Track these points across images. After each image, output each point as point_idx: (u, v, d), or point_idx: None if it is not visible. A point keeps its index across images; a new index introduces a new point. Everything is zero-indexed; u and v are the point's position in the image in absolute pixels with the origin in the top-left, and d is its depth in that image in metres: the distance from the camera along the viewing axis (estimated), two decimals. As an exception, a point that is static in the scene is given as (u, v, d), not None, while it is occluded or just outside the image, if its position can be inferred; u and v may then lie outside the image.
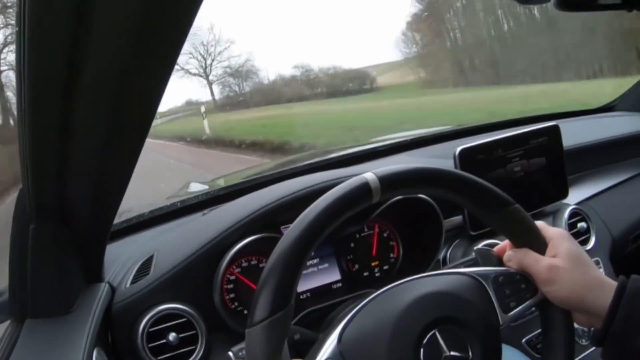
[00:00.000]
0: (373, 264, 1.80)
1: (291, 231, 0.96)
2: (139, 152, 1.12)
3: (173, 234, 1.87)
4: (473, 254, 1.24)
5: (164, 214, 2.09)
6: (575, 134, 2.44)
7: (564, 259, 1.09)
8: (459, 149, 1.82)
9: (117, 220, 1.97)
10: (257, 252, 1.61)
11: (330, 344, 1.01)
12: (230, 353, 1.24)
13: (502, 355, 1.09)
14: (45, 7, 0.73)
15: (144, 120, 1.03)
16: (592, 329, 1.11)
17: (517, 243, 1.14)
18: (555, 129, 2.02)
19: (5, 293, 1.32)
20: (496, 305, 1.08)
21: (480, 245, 1.27)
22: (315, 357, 1.00)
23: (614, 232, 2.14)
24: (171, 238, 1.84)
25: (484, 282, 1.09)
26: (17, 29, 0.78)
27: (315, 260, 1.72)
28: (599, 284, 1.09)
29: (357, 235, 1.79)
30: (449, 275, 1.12)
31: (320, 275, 1.72)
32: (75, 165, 1.08)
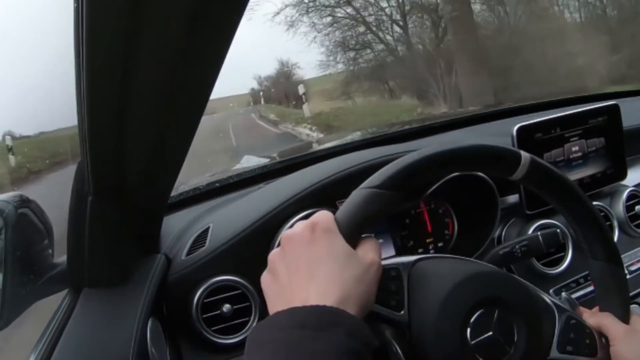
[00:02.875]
0: (427, 240, 1.79)
1: (440, 145, 0.99)
2: (197, 126, 1.13)
3: (229, 207, 1.89)
4: (529, 233, 1.23)
5: (220, 187, 2.11)
6: (635, 113, 2.39)
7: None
8: (516, 126, 1.78)
9: (174, 193, 1.99)
10: (312, 226, 1.60)
11: (405, 260, 1.04)
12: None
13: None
14: None
15: (201, 94, 1.04)
16: None
17: (605, 305, 1.13)
18: (615, 108, 1.96)
19: (63, 263, 1.34)
20: (555, 337, 1.06)
21: (569, 295, 1.26)
22: (389, 259, 1.04)
23: (674, 215, 2.08)
24: (227, 211, 1.85)
25: (556, 312, 1.07)
26: (75, 5, 0.79)
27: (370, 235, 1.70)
28: None
29: (413, 212, 1.77)
30: (532, 289, 1.10)
31: (374, 251, 1.70)
32: (133, 139, 1.09)
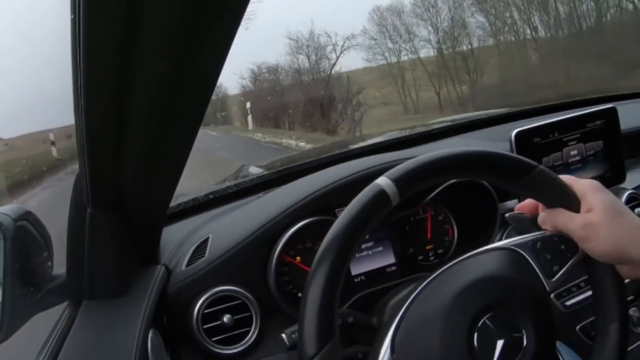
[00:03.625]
0: (428, 247, 1.79)
1: (319, 259, 0.95)
2: (194, 137, 1.13)
3: (228, 217, 1.89)
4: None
5: (219, 197, 2.12)
6: (633, 116, 2.39)
7: (599, 212, 1.05)
8: (514, 131, 1.78)
9: (173, 203, 1.99)
10: (311, 235, 1.61)
11: (383, 355, 1.00)
12: (283, 335, 1.24)
13: (556, 334, 1.08)
14: None
15: (199, 105, 1.04)
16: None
17: (549, 204, 1.11)
18: (613, 111, 1.96)
19: (62, 276, 1.34)
20: (539, 273, 1.06)
21: (512, 212, 1.24)
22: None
23: (673, 218, 2.08)
24: (226, 221, 1.85)
25: (523, 253, 1.07)
26: (72, 16, 0.79)
27: (370, 244, 1.71)
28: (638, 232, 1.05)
29: (412, 219, 1.77)
30: (488, 252, 1.09)
31: (374, 259, 1.71)
32: (132, 150, 1.09)
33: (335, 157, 2.29)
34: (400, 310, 1.03)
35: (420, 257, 1.78)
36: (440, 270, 1.08)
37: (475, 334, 0.97)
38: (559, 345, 1.45)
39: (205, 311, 1.44)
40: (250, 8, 0.84)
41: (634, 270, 1.07)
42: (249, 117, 20.12)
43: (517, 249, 1.08)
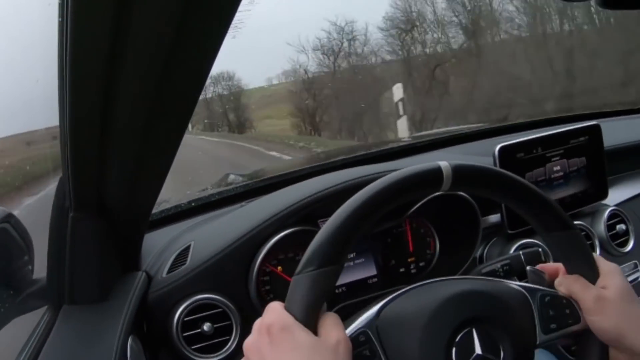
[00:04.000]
0: (409, 259, 1.79)
1: (360, 193, 0.97)
2: (178, 144, 1.13)
3: (210, 225, 1.89)
4: (511, 252, 1.23)
5: (202, 205, 2.11)
6: (616, 133, 2.40)
7: (613, 292, 1.06)
8: (498, 146, 1.80)
9: (156, 210, 1.99)
10: (293, 245, 1.61)
11: (368, 316, 1.01)
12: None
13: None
14: None
15: (182, 113, 1.04)
16: None
17: (571, 269, 1.12)
18: (596, 128, 1.99)
19: (43, 280, 1.34)
20: (537, 322, 1.06)
21: (533, 267, 1.25)
22: (352, 322, 1.01)
23: (654, 235, 2.09)
24: (208, 229, 1.85)
25: (529, 297, 1.08)
26: (59, 19, 0.79)
27: (351, 255, 1.72)
28: None
29: (394, 231, 1.78)
30: (496, 282, 1.11)
31: (356, 270, 1.72)
32: (115, 156, 1.09)
33: (318, 167, 2.29)
34: (389, 296, 1.06)
35: (402, 269, 1.78)
36: (441, 278, 1.09)
37: (455, 346, 0.97)
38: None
39: (186, 319, 1.44)
40: (238, 17, 0.84)
41: (627, 358, 1.07)
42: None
43: (525, 292, 1.09)
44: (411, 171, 1.00)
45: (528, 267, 1.24)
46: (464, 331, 0.99)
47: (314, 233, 0.98)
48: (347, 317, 1.49)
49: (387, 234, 1.77)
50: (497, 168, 1.07)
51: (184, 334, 1.43)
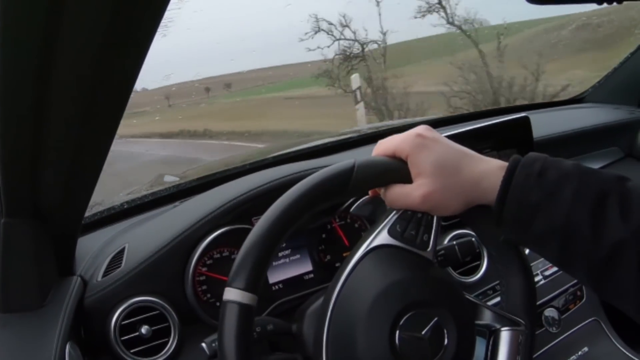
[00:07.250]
0: (345, 254, 1.80)
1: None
2: (110, 145, 1.12)
3: (144, 227, 1.88)
4: (445, 243, 1.24)
5: (135, 206, 2.09)
6: (545, 125, 2.47)
7: (429, 176, 1.03)
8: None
9: (88, 213, 1.97)
10: (228, 243, 1.61)
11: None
12: (203, 344, 1.23)
13: (474, 329, 1.09)
14: None
15: (114, 113, 1.03)
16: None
17: (383, 186, 1.10)
18: (526, 120, 2.03)
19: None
20: (414, 251, 1.07)
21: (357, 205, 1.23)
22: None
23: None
24: (142, 231, 1.84)
25: (391, 244, 1.07)
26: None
27: (287, 252, 1.73)
28: (481, 178, 1.06)
29: (329, 226, 1.79)
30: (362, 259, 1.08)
31: (292, 266, 1.73)
32: (47, 158, 1.07)
33: (251, 165, 2.29)
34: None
35: (337, 264, 1.79)
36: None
37: (397, 332, 0.98)
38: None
39: (123, 322, 1.43)
40: (167, 15, 0.84)
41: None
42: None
43: (384, 244, 1.07)
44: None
45: (351, 210, 1.24)
46: (401, 321, 1.00)
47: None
48: (284, 312, 1.50)
49: (321, 230, 1.79)
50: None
51: (122, 338, 1.42)
